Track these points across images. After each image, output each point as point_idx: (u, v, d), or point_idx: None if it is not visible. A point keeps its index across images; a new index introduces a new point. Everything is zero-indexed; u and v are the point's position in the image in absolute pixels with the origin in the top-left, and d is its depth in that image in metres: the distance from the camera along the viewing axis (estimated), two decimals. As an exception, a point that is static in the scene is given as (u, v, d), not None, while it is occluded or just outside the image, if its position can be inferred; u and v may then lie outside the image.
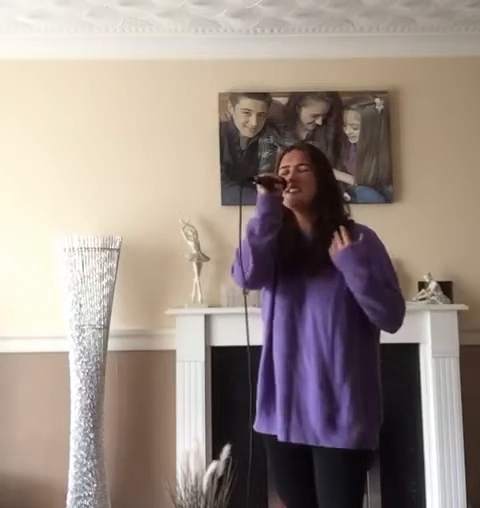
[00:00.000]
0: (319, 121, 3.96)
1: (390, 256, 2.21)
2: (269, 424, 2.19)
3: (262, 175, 2.15)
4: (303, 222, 2.22)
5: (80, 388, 3.49)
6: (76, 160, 3.92)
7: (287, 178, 2.17)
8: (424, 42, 4.01)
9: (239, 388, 3.58)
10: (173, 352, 3.66)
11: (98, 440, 3.49)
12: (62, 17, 3.78)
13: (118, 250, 3.63)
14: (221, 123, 3.94)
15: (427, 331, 3.69)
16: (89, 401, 3.48)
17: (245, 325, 2.11)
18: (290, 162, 2.20)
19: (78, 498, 3.43)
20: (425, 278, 3.75)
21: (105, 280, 3.57)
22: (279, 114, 3.96)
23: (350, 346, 2.09)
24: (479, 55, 4.05)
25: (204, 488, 3.36)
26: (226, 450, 3.38)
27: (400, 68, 4.03)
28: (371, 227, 2.24)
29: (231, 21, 3.84)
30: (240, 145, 3.94)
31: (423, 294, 3.74)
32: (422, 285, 3.78)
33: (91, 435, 3.46)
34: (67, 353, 3.55)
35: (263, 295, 2.27)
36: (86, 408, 3.47)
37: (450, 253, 3.89)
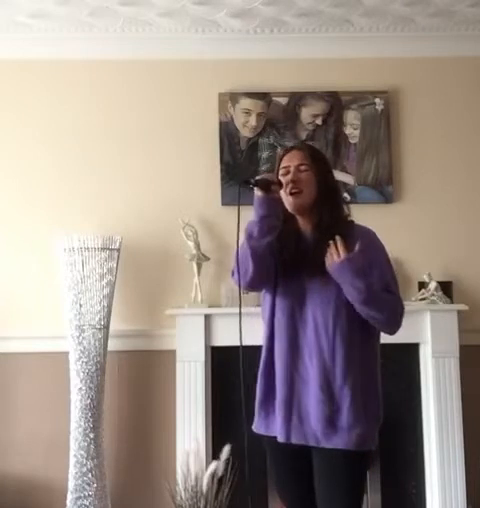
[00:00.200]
0: (319, 121, 3.96)
1: (390, 256, 2.21)
2: (268, 425, 2.19)
3: (258, 177, 2.15)
4: (303, 224, 2.22)
5: (80, 388, 3.49)
6: (76, 160, 3.92)
7: (288, 178, 2.17)
8: (424, 42, 4.01)
9: (239, 388, 3.57)
10: (173, 352, 3.66)
11: (98, 440, 3.49)
12: (62, 17, 3.78)
13: (118, 250, 3.63)
14: (221, 123, 3.94)
15: (427, 331, 3.69)
16: (89, 401, 3.48)
17: (238, 324, 2.11)
18: (290, 162, 2.20)
19: (78, 498, 3.43)
20: (425, 278, 3.75)
21: (105, 280, 3.57)
22: (279, 114, 3.96)
23: (350, 347, 2.09)
24: (479, 55, 4.05)
25: (204, 488, 3.36)
26: (226, 450, 3.38)
27: (400, 68, 4.03)
28: (371, 227, 2.24)
29: (231, 21, 3.84)
30: (240, 145, 3.94)
31: (423, 294, 3.74)
32: (422, 285, 3.78)
33: (91, 435, 3.46)
34: (67, 353, 3.55)
35: (263, 296, 2.27)
36: (86, 408, 3.47)
37: (450, 253, 3.89)
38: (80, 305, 3.53)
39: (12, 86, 3.97)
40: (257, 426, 2.22)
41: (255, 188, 2.12)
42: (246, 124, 3.95)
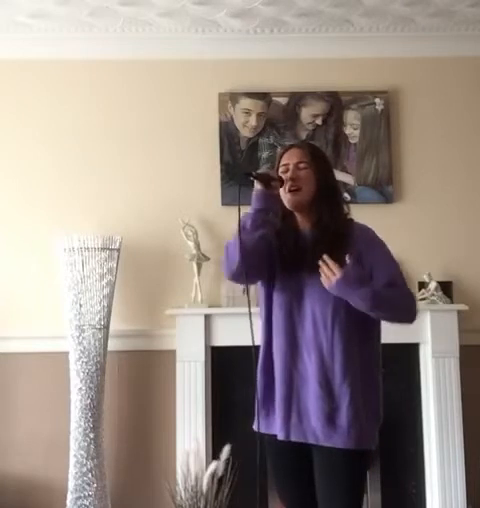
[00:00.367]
0: (319, 121, 3.96)
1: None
2: (268, 423, 2.19)
3: (260, 171, 2.16)
4: (302, 221, 2.22)
5: (80, 388, 3.49)
6: (76, 160, 3.92)
7: (287, 176, 2.17)
8: (424, 42, 4.01)
9: (239, 388, 3.59)
10: (173, 352, 3.66)
11: (98, 440, 3.49)
12: (62, 17, 3.78)
13: (118, 250, 3.63)
14: (221, 123, 3.94)
15: (427, 331, 3.69)
16: (89, 401, 3.48)
17: (249, 325, 2.09)
18: (290, 160, 2.20)
19: (78, 498, 3.43)
20: (425, 278, 3.75)
21: (105, 280, 3.57)
22: (279, 114, 3.96)
23: (350, 344, 2.09)
24: (479, 55, 4.05)
25: (204, 488, 3.36)
26: (226, 450, 3.38)
27: (400, 68, 4.03)
28: (370, 226, 2.24)
29: (231, 21, 3.84)
30: (240, 145, 3.94)
31: (423, 294, 3.74)
32: (422, 285, 3.78)
33: (91, 435, 3.46)
34: (67, 353, 3.55)
35: (260, 292, 2.26)
36: (86, 408, 3.47)
37: (450, 253, 3.89)
38: (80, 305, 3.53)
39: (12, 86, 3.97)
40: (255, 425, 2.22)
41: (255, 181, 2.12)
42: (246, 124, 3.95)
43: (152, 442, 3.75)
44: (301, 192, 2.16)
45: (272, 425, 2.17)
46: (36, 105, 3.96)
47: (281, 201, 2.19)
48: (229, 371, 3.64)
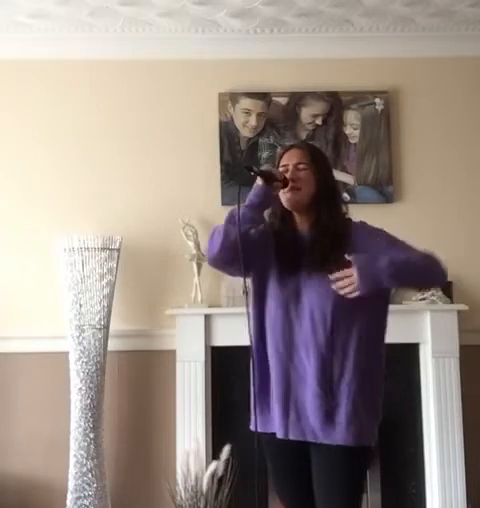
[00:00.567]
0: (319, 121, 3.96)
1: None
2: (264, 422, 2.18)
3: (264, 168, 2.16)
4: (301, 222, 2.22)
5: (80, 388, 3.49)
6: (76, 160, 3.92)
7: (286, 177, 2.17)
8: (424, 42, 4.01)
9: (239, 388, 3.58)
10: (173, 352, 3.66)
11: (98, 440, 3.49)
12: (62, 17, 3.78)
13: (118, 250, 3.63)
14: (221, 123, 3.94)
15: (427, 331, 3.69)
16: (89, 401, 3.48)
17: (247, 324, 2.10)
18: (289, 161, 2.20)
19: (78, 498, 3.43)
20: (425, 278, 3.74)
21: (105, 280, 3.57)
22: (279, 114, 3.96)
23: (349, 342, 2.09)
24: (479, 55, 4.05)
25: (204, 488, 3.36)
26: (226, 450, 3.38)
27: (400, 68, 4.03)
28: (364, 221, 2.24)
29: (231, 21, 3.84)
30: (240, 145, 3.94)
31: (423, 294, 3.73)
32: (422, 285, 3.78)
33: (91, 435, 3.46)
34: (67, 353, 3.55)
35: (251, 292, 2.25)
36: (86, 408, 3.47)
37: (450, 253, 3.84)
38: (80, 305, 3.53)
39: (12, 86, 3.97)
40: (252, 424, 2.22)
41: (257, 177, 2.12)
42: (246, 124, 3.95)
43: (152, 442, 3.75)
44: (300, 192, 2.16)
45: (268, 423, 2.17)
46: (36, 105, 3.95)
47: (280, 201, 2.19)
48: (229, 371, 3.64)
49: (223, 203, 3.84)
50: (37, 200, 3.88)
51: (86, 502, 3.42)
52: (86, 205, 3.88)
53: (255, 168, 2.12)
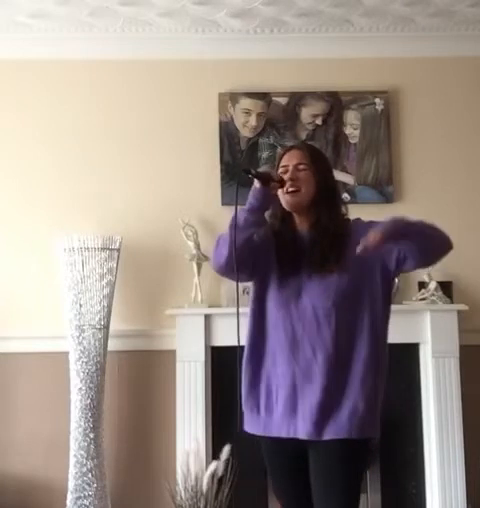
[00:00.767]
0: (319, 121, 3.96)
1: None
2: (253, 423, 2.18)
3: (261, 170, 2.16)
4: (300, 222, 2.22)
5: (80, 388, 3.49)
6: (76, 160, 3.92)
7: (286, 177, 2.17)
8: (424, 42, 4.01)
9: (239, 388, 3.58)
10: (173, 352, 3.66)
11: (98, 440, 3.49)
12: (62, 17, 3.78)
13: (118, 250, 3.63)
14: (221, 123, 3.94)
15: (427, 331, 3.69)
16: (89, 401, 3.48)
17: (236, 326, 2.11)
18: (289, 161, 2.20)
19: (78, 498, 3.43)
20: (425, 278, 3.75)
21: (105, 280, 3.57)
22: (279, 114, 3.96)
23: (354, 337, 2.09)
24: (479, 55, 4.05)
25: (204, 488, 3.36)
26: (226, 450, 3.38)
27: (400, 68, 4.03)
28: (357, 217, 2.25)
29: (231, 21, 3.84)
30: (240, 145, 3.94)
31: (423, 294, 3.74)
32: (422, 285, 3.78)
33: (91, 435, 3.46)
34: (67, 353, 3.55)
35: (251, 293, 2.26)
36: (86, 408, 3.47)
37: (450, 253, 3.87)
38: (80, 305, 3.53)
39: (12, 86, 3.97)
40: (249, 426, 2.20)
41: (255, 179, 2.12)
42: (246, 124, 3.95)
43: (152, 442, 3.75)
44: (300, 193, 2.16)
45: (259, 424, 2.16)
46: (36, 105, 3.95)
47: (277, 201, 2.19)
48: (229, 371, 3.61)
49: (223, 203, 3.84)
50: (37, 200, 3.88)
51: (86, 502, 3.42)
52: (86, 205, 3.88)
53: (253, 171, 2.12)
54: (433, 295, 3.71)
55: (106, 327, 3.57)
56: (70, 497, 3.45)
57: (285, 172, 2.19)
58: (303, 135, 3.95)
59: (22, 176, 3.91)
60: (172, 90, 4.00)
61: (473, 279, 3.87)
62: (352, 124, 3.97)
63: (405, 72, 4.03)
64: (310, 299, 2.12)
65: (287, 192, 2.16)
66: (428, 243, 2.10)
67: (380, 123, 3.96)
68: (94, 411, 3.48)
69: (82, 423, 3.47)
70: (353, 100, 3.97)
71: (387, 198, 3.92)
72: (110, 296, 3.59)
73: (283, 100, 3.97)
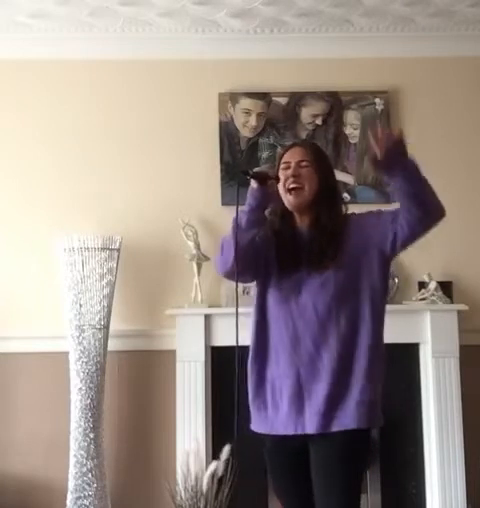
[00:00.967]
0: (319, 121, 3.96)
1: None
2: (261, 422, 2.18)
3: (257, 169, 2.17)
4: (300, 220, 2.23)
5: (80, 388, 3.49)
6: (76, 160, 3.92)
7: (289, 173, 2.17)
8: (424, 42, 4.01)
9: (239, 388, 3.58)
10: (173, 352, 3.66)
11: (98, 440, 3.49)
12: (62, 17, 3.78)
13: (118, 250, 3.63)
14: (221, 123, 3.94)
15: (427, 331, 3.69)
16: (89, 401, 3.48)
17: (235, 325, 2.11)
18: (292, 158, 2.20)
19: (78, 498, 3.43)
20: (425, 278, 3.75)
21: (105, 280, 3.57)
22: (279, 114, 3.96)
23: (355, 327, 2.10)
24: (479, 55, 4.05)
25: (204, 488, 3.36)
26: (226, 450, 3.38)
27: (400, 68, 4.03)
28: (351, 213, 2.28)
29: (231, 21, 3.84)
30: (240, 145, 3.94)
31: (423, 294, 3.74)
32: (422, 285, 3.78)
33: (91, 435, 3.46)
34: (67, 353, 3.55)
35: (254, 292, 2.26)
36: (86, 408, 3.47)
37: (450, 253, 3.88)
38: (80, 305, 3.53)
39: (12, 86, 3.97)
40: (256, 425, 2.21)
41: (251, 180, 2.13)
42: (246, 124, 3.95)
43: (152, 442, 3.75)
44: (303, 192, 2.17)
45: (266, 423, 2.17)
46: (36, 105, 3.95)
47: (280, 200, 2.20)
48: (229, 371, 3.61)
49: (223, 203, 3.84)
50: (37, 200, 3.88)
51: (86, 502, 3.42)
52: (86, 205, 3.87)
53: (250, 171, 2.13)
54: (433, 295, 3.71)
55: (106, 327, 3.57)
56: (70, 497, 3.45)
57: (287, 168, 2.19)
58: (303, 135, 3.95)
59: (22, 176, 3.91)
60: (172, 90, 4.00)
61: (473, 279, 3.87)
62: (352, 124, 3.97)
63: (405, 72, 4.03)
64: (310, 295, 2.12)
65: (289, 188, 2.16)
66: (427, 196, 2.20)
67: (380, 123, 3.95)
68: (94, 411, 3.48)
69: (82, 423, 3.47)
70: (353, 100, 3.97)
71: (387, 198, 3.91)
72: (110, 296, 3.59)
73: (283, 100, 3.97)
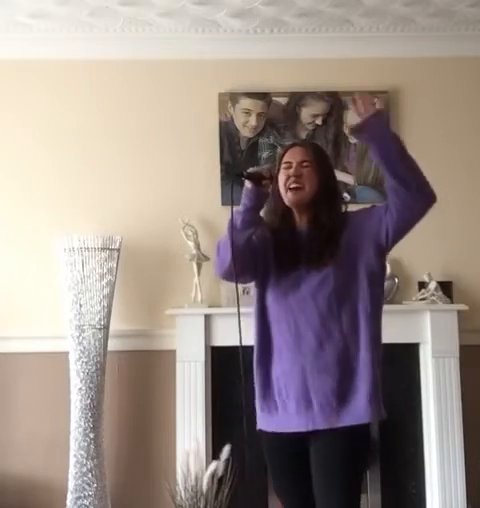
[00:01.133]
0: (319, 121, 3.96)
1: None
2: (269, 421, 2.19)
3: (251, 170, 2.17)
4: (299, 219, 2.23)
5: (80, 388, 3.49)
6: (76, 160, 3.92)
7: (290, 173, 2.17)
8: (424, 42, 4.01)
9: (239, 388, 3.58)
10: (173, 352, 3.66)
11: (98, 440, 3.49)
12: (62, 17, 3.78)
13: (118, 250, 3.63)
14: (221, 123, 3.94)
15: (427, 331, 3.69)
16: (89, 401, 3.48)
17: (238, 326, 2.11)
18: (293, 158, 2.21)
19: (78, 498, 3.43)
20: (425, 278, 3.75)
21: (105, 280, 3.57)
22: (279, 114, 3.96)
23: (356, 320, 2.10)
24: (479, 55, 4.05)
25: (204, 488, 3.36)
26: (226, 450, 3.38)
27: (400, 68, 4.03)
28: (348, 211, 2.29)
29: (231, 21, 3.84)
30: (240, 145, 3.94)
31: (423, 294, 3.74)
32: (422, 285, 3.78)
33: (91, 435, 3.46)
34: (67, 353, 3.55)
35: (254, 292, 2.27)
36: (86, 408, 3.47)
37: (450, 253, 3.89)
38: (80, 305, 3.53)
39: (12, 86, 3.97)
40: (261, 424, 2.21)
41: (246, 180, 2.13)
42: (246, 124, 3.95)
43: (152, 442, 3.75)
44: (303, 191, 2.17)
45: (275, 421, 2.17)
46: (36, 105, 3.95)
47: (279, 199, 2.20)
48: (229, 371, 3.64)
49: (223, 203, 3.83)
50: (37, 200, 3.88)
51: (86, 502, 3.42)
52: (86, 205, 3.88)
53: (244, 172, 2.14)
54: (433, 295, 3.71)
55: (106, 327, 3.57)
56: (70, 497, 3.45)
57: (288, 168, 2.19)
58: (303, 135, 3.95)
59: (22, 176, 3.91)
60: (172, 90, 4.00)
61: (473, 279, 3.87)
62: (352, 124, 3.96)
63: (405, 72, 4.03)
64: (309, 290, 2.13)
65: (290, 189, 2.16)
66: (410, 170, 2.23)
67: (380, 123, 3.95)
68: (94, 411, 3.48)
69: (82, 423, 3.47)
70: (353, 100, 3.97)
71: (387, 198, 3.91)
72: (110, 296, 3.59)
73: (283, 100, 3.97)
